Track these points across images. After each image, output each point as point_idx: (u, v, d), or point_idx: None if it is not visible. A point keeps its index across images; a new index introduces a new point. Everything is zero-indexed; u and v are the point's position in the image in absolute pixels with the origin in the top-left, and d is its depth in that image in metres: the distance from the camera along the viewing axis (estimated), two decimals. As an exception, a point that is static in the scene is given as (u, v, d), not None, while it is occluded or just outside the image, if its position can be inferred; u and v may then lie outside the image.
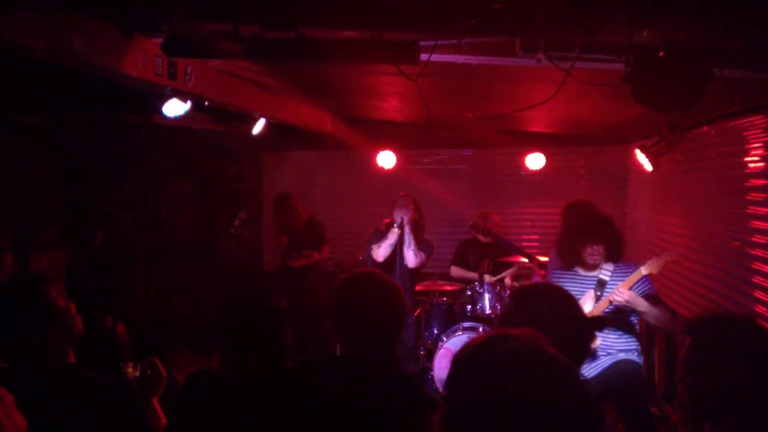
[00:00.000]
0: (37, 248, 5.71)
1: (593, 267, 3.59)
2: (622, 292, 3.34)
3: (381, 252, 4.65)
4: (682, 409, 1.80)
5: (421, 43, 2.62)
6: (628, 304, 3.37)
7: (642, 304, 3.36)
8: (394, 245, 4.63)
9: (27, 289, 2.18)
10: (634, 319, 3.60)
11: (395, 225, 4.67)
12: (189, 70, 3.69)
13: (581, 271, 3.64)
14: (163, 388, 2.38)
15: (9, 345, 2.10)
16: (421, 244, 4.76)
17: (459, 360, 1.24)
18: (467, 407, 1.14)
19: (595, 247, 3.50)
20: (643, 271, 3.45)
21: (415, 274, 5.06)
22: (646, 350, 3.94)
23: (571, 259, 3.63)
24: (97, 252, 6.24)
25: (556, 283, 3.03)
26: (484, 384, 1.13)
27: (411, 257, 4.67)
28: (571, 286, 3.58)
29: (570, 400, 1.11)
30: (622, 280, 3.45)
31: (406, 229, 4.65)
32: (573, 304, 2.03)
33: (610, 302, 3.41)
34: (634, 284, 3.43)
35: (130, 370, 2.49)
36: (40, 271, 5.40)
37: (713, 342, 1.75)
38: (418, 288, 5.73)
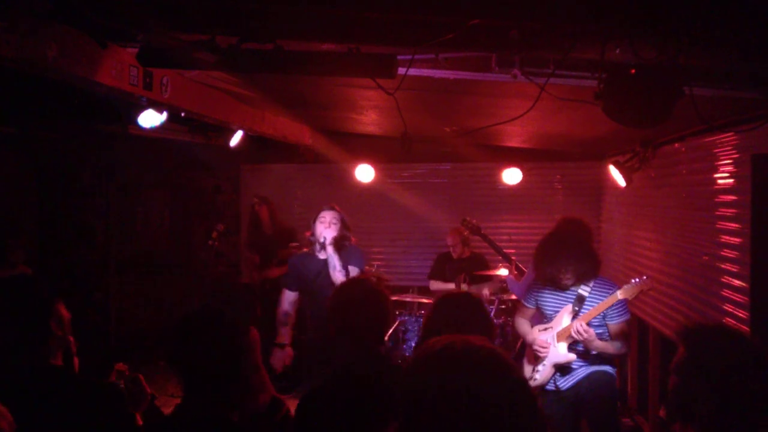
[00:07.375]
0: (7, 263, 5.56)
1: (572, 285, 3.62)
2: (581, 331, 3.37)
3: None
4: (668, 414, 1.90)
5: (399, 57, 2.64)
6: (585, 341, 3.41)
7: (598, 346, 3.45)
8: (335, 267, 4.17)
9: (39, 287, 2.20)
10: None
11: (318, 245, 4.28)
12: (165, 80, 3.67)
13: None
14: (146, 405, 2.34)
15: (19, 338, 2.10)
16: (349, 256, 4.28)
17: (417, 365, 1.24)
18: (425, 415, 1.16)
19: (567, 274, 3.53)
20: (620, 295, 3.47)
21: None
22: (619, 362, 3.98)
23: (549, 281, 3.64)
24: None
25: (476, 293, 3.22)
26: (441, 391, 1.16)
27: (340, 279, 4.15)
28: (551, 299, 3.64)
29: (518, 406, 1.16)
30: (600, 297, 3.50)
31: (330, 250, 4.21)
32: (481, 310, 2.42)
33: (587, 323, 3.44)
34: (610, 307, 3.46)
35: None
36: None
37: (702, 350, 1.86)
38: (395, 299, 5.72)
